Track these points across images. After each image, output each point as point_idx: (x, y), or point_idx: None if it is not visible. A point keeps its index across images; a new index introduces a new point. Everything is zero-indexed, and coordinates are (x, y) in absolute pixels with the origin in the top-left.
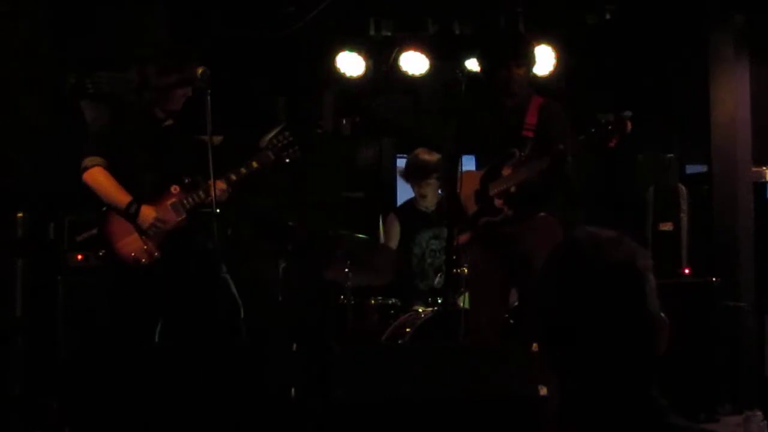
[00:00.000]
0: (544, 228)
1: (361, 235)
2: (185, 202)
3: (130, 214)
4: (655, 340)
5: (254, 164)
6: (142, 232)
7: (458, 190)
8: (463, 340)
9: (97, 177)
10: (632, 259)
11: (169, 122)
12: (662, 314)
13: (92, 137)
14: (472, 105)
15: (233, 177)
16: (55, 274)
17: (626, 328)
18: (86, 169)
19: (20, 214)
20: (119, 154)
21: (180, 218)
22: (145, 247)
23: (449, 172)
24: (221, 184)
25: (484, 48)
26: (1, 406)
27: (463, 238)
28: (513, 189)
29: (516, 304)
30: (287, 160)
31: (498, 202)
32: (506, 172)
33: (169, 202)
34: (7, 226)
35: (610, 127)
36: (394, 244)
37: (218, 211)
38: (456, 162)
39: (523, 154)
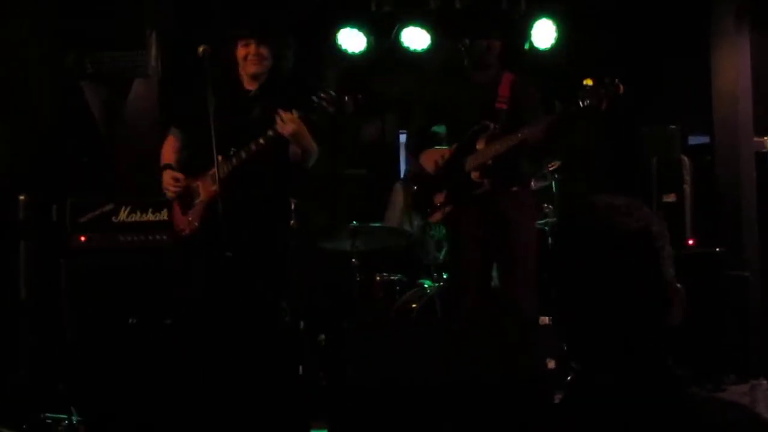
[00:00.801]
0: (519, 201)
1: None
2: (221, 171)
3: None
4: (670, 309)
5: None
6: (185, 205)
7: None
8: (450, 311)
9: (165, 145)
10: (648, 226)
11: (254, 93)
12: (678, 284)
13: (173, 108)
14: (443, 77)
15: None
16: (58, 256)
17: (642, 296)
18: (165, 139)
19: (22, 197)
20: (194, 122)
21: (212, 188)
22: (189, 218)
23: (417, 146)
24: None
25: (457, 21)
26: (8, 388)
27: (438, 215)
28: (489, 162)
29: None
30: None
31: (475, 175)
32: (480, 145)
33: (209, 173)
34: (9, 208)
35: (602, 90)
36: (399, 211)
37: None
38: (423, 134)
39: (497, 126)
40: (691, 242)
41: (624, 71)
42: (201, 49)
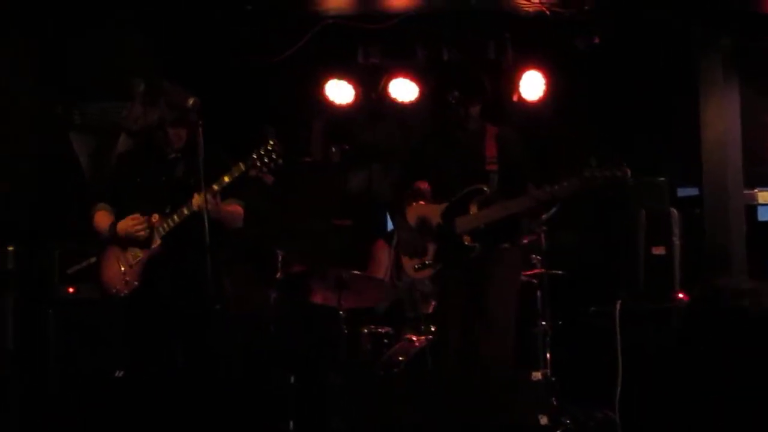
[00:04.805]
0: (505, 258)
1: (354, 270)
2: (160, 228)
3: (111, 234)
4: None
5: (225, 178)
6: (123, 261)
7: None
8: (438, 368)
9: (97, 218)
10: None
11: (174, 155)
12: None
13: (94, 181)
14: (426, 132)
15: (215, 187)
16: (46, 306)
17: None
18: (92, 216)
19: (11, 248)
20: (120, 193)
21: (155, 245)
22: (126, 277)
23: (398, 202)
24: (200, 199)
25: (438, 80)
26: None
27: (424, 273)
28: (482, 227)
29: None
30: (265, 170)
31: (467, 239)
32: (473, 210)
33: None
34: None
35: (607, 174)
36: (384, 271)
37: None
38: (403, 190)
39: (489, 190)
40: (680, 296)
41: (612, 122)
42: (191, 101)
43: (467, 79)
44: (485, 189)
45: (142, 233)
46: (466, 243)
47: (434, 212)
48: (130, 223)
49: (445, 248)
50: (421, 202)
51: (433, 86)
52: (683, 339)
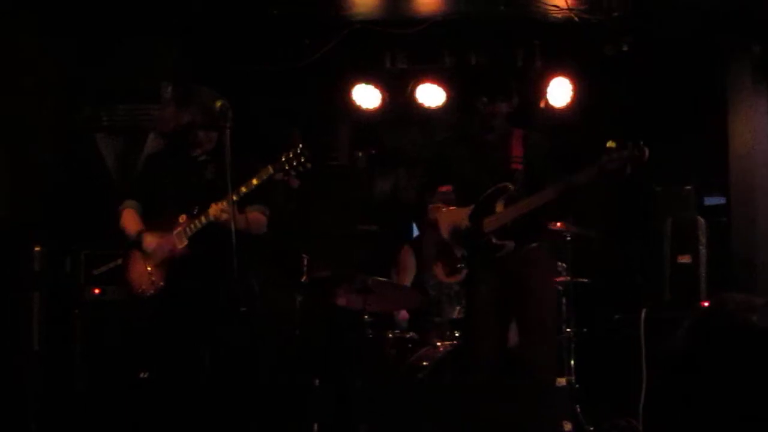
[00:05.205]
0: (536, 259)
1: (379, 277)
2: (187, 229)
3: (136, 242)
4: None
5: (254, 181)
6: (149, 261)
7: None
8: (464, 373)
9: (124, 217)
10: None
11: (203, 157)
12: None
13: (122, 182)
14: (451, 136)
15: (235, 197)
16: (72, 307)
17: None
18: (119, 213)
19: (37, 248)
20: (150, 192)
21: (182, 245)
22: (152, 277)
23: (422, 206)
24: (223, 205)
25: (465, 83)
26: None
27: (456, 276)
28: (509, 224)
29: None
30: (293, 173)
31: (494, 237)
32: (499, 208)
33: (174, 231)
34: (24, 260)
35: (625, 153)
36: (410, 276)
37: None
38: (427, 196)
39: (515, 188)
40: (706, 305)
41: (639, 130)
42: (218, 104)
43: (495, 81)
44: (510, 187)
45: (163, 255)
46: (494, 242)
47: (463, 215)
48: (155, 242)
49: (473, 250)
50: (451, 207)
51: (460, 89)
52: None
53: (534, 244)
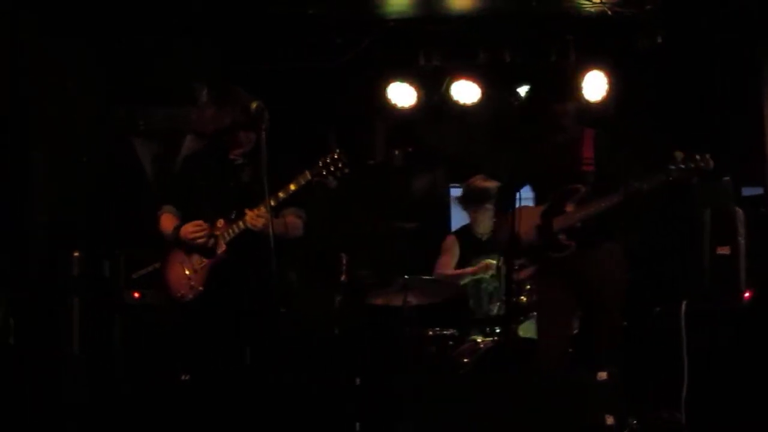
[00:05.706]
0: (608, 257)
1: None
2: (225, 234)
3: (174, 236)
4: None
5: (291, 186)
6: (188, 265)
7: (516, 222)
8: (531, 366)
9: (163, 221)
10: None
11: (240, 160)
12: None
13: (159, 185)
14: (528, 136)
15: (272, 202)
16: (111, 312)
17: None
18: (158, 218)
19: (76, 253)
20: (185, 194)
21: (221, 250)
22: (191, 282)
23: (505, 204)
24: (260, 210)
25: (535, 84)
26: None
27: (526, 272)
28: (578, 225)
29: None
30: (331, 178)
31: (562, 237)
32: (570, 208)
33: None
34: (63, 264)
35: (692, 165)
36: (453, 263)
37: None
38: (513, 194)
39: (586, 189)
40: (746, 295)
41: (675, 121)
42: (254, 105)
43: (560, 82)
44: (582, 189)
45: (202, 240)
46: (562, 241)
47: (537, 214)
48: (191, 229)
49: (542, 247)
50: (528, 206)
51: (529, 90)
52: (743, 340)
53: (606, 243)
